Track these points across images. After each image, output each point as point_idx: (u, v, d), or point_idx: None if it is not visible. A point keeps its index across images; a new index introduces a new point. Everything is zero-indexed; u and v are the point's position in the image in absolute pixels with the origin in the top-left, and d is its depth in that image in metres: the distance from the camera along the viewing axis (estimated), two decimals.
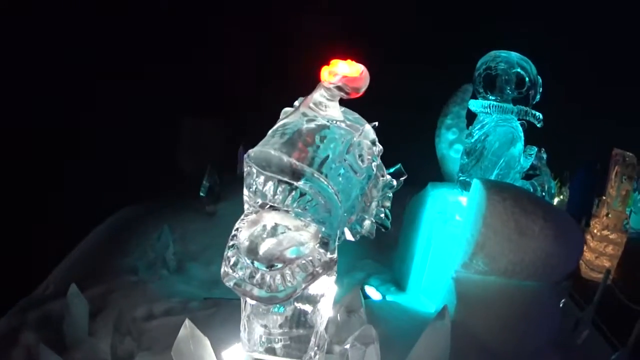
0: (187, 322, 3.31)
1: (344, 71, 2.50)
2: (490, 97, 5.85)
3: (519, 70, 5.82)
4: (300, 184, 2.43)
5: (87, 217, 6.96)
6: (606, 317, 6.16)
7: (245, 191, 2.63)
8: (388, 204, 2.89)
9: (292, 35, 10.22)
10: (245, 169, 2.54)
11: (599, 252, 8.09)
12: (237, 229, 2.63)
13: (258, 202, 2.61)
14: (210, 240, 6.54)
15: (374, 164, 2.74)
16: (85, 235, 6.58)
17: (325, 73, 2.53)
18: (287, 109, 2.78)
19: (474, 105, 5.90)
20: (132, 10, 10.30)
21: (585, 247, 7.86)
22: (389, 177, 2.86)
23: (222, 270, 2.60)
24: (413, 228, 6.25)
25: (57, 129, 8.93)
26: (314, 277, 2.57)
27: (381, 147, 2.76)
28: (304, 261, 2.53)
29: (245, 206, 2.70)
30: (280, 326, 2.86)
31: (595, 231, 8.16)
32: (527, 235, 4.95)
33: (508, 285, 5.10)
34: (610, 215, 8.13)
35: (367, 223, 2.85)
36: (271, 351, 2.93)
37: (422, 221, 6.13)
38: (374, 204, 2.86)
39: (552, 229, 4.99)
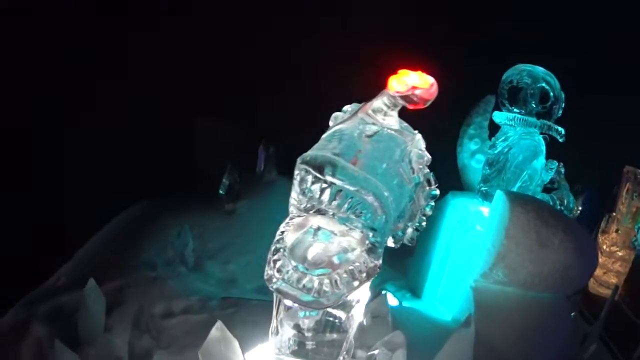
0: (219, 323, 3.26)
1: (414, 82, 2.45)
2: (515, 109, 5.84)
3: (543, 85, 5.81)
4: (358, 190, 2.39)
5: (101, 212, 6.89)
6: (613, 332, 6.17)
7: (294, 194, 2.57)
8: (430, 212, 2.87)
9: (309, 37, 10.15)
10: (298, 173, 2.50)
11: (607, 268, 8.07)
12: (282, 233, 2.58)
13: (304, 206, 2.57)
14: (228, 239, 6.46)
15: (422, 172, 2.72)
16: (99, 230, 6.50)
17: (393, 82, 2.47)
18: (337, 113, 2.75)
19: (499, 117, 5.90)
20: (147, 6, 10.28)
21: None
22: (434, 186, 2.84)
23: (265, 273, 2.54)
24: (431, 236, 6.21)
25: (73, 127, 8.88)
26: (360, 283, 2.53)
27: (429, 156, 2.73)
28: (351, 267, 2.49)
29: (291, 209, 2.65)
30: (314, 330, 2.81)
31: (604, 247, 8.14)
32: (547, 247, 4.92)
33: (525, 296, 5.07)
34: (619, 232, 8.13)
35: (409, 230, 2.82)
36: (301, 354, 2.87)
37: (441, 230, 6.11)
38: (419, 212, 2.84)
39: (571, 242, 4.96)
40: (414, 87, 2.45)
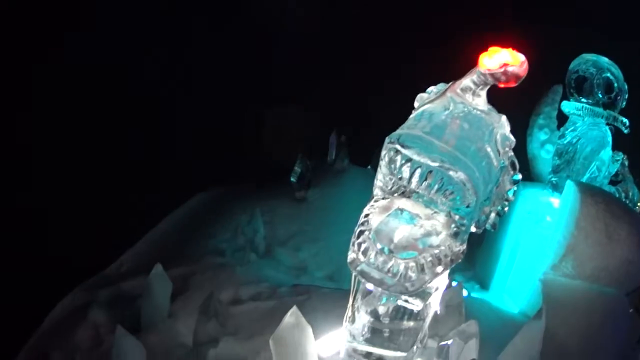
0: (294, 309, 3.15)
1: (505, 59, 2.33)
2: (582, 99, 5.71)
3: (608, 75, 5.68)
4: (450, 170, 2.26)
5: (167, 199, 6.89)
6: None
7: (380, 176, 2.47)
8: (512, 197, 2.73)
9: (384, 26, 10.04)
10: (386, 154, 2.37)
11: None
12: (366, 215, 2.46)
13: (390, 188, 2.46)
14: (298, 227, 6.39)
15: (507, 155, 2.58)
16: (163, 217, 6.48)
17: (484, 59, 2.35)
18: (421, 94, 2.62)
19: (567, 106, 5.77)
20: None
21: None
22: (517, 171, 2.70)
23: (349, 256, 2.41)
24: (501, 227, 6.02)
25: (146, 114, 8.94)
26: (444, 268, 2.41)
27: (514, 139, 2.59)
28: (436, 251, 2.37)
29: (376, 191, 2.53)
30: (392, 317, 2.69)
31: None
32: (614, 240, 4.76)
33: (591, 290, 4.88)
34: None
35: (492, 215, 2.69)
36: (375, 342, 2.75)
37: (511, 220, 5.98)
38: (502, 197, 2.72)
39: (637, 236, 4.80)
40: (506, 65, 2.33)
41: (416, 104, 2.60)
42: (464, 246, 2.51)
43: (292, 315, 3.13)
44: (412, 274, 2.34)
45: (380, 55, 9.80)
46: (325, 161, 7.84)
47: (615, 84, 5.69)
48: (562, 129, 5.91)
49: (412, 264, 2.34)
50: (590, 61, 5.73)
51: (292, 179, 6.80)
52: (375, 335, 2.74)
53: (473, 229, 2.64)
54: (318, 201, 6.84)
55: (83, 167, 7.85)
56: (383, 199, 2.50)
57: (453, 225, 2.42)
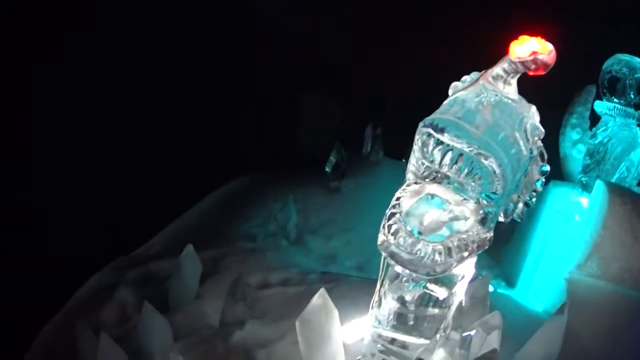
0: (322, 291, 3.19)
1: (534, 47, 2.37)
2: (614, 100, 5.66)
3: None
4: (480, 154, 2.31)
5: (201, 184, 6.94)
6: None
7: (413, 160, 2.53)
8: (540, 189, 2.75)
9: (418, 18, 9.99)
10: (419, 138, 2.43)
11: None
12: (398, 198, 2.51)
13: (422, 173, 2.51)
14: (331, 216, 6.43)
15: (536, 145, 2.60)
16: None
17: (515, 47, 2.40)
18: (455, 83, 2.66)
19: (600, 106, 5.72)
20: None
21: None
22: (545, 162, 2.72)
23: (379, 238, 2.47)
24: (530, 224, 6.04)
25: (184, 100, 9.03)
26: (469, 254, 2.47)
27: (543, 130, 2.62)
28: (464, 236, 2.43)
29: (408, 175, 2.59)
30: (417, 303, 2.74)
31: None
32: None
33: (615, 292, 4.86)
34: None
35: (520, 205, 2.71)
36: (400, 329, 2.80)
37: (541, 219, 5.94)
38: (530, 188, 2.74)
39: None
40: (535, 52, 2.38)
41: (450, 92, 2.64)
42: (491, 234, 2.55)
43: (320, 297, 3.16)
44: (439, 257, 2.39)
45: (380, 55, 9.76)
46: (360, 153, 7.89)
47: None
48: (594, 129, 5.86)
49: (439, 247, 2.39)
50: (623, 61, 5.64)
51: (326, 169, 6.83)
52: (400, 321, 2.79)
53: (501, 218, 2.66)
54: (351, 192, 6.88)
55: (83, 167, 7.84)
56: (415, 183, 2.55)
57: (481, 212, 2.46)
